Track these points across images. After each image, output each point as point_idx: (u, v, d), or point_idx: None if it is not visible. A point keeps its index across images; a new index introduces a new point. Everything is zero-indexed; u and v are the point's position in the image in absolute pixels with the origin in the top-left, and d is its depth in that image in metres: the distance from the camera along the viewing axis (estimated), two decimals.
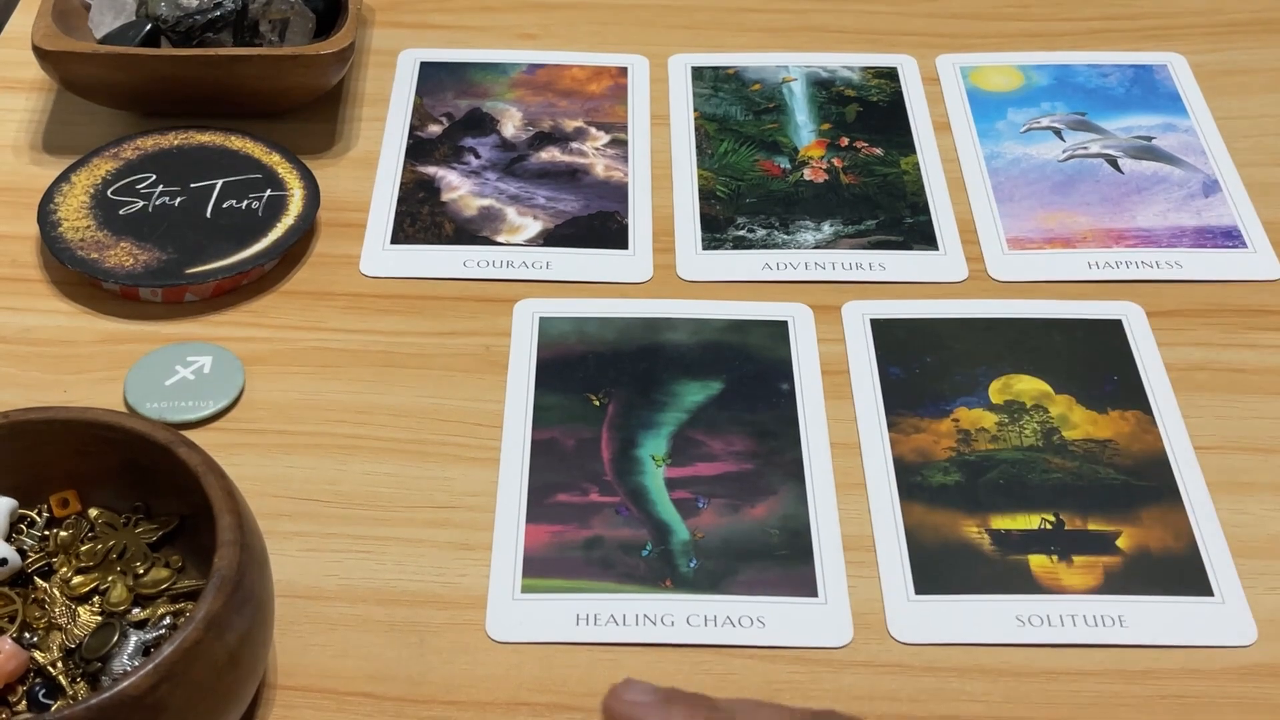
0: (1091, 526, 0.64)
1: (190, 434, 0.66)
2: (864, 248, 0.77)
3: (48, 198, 0.76)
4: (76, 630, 0.55)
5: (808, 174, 0.82)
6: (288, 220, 0.76)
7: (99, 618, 0.55)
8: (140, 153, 0.79)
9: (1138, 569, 0.62)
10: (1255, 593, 0.62)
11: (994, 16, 0.94)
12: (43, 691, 0.53)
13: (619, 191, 0.81)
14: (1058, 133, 0.85)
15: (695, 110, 0.86)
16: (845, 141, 0.84)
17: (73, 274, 0.74)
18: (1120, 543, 0.63)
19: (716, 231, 0.78)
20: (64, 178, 0.78)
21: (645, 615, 0.60)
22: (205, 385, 0.69)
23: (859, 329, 0.73)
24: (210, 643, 0.49)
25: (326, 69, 0.80)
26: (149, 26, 0.81)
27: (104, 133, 0.82)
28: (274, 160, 0.79)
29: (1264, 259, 0.77)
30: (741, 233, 0.78)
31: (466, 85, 0.88)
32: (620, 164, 0.83)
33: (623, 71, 0.89)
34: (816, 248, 0.77)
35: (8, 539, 0.57)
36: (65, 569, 0.57)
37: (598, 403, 0.69)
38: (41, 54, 0.78)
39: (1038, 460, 0.67)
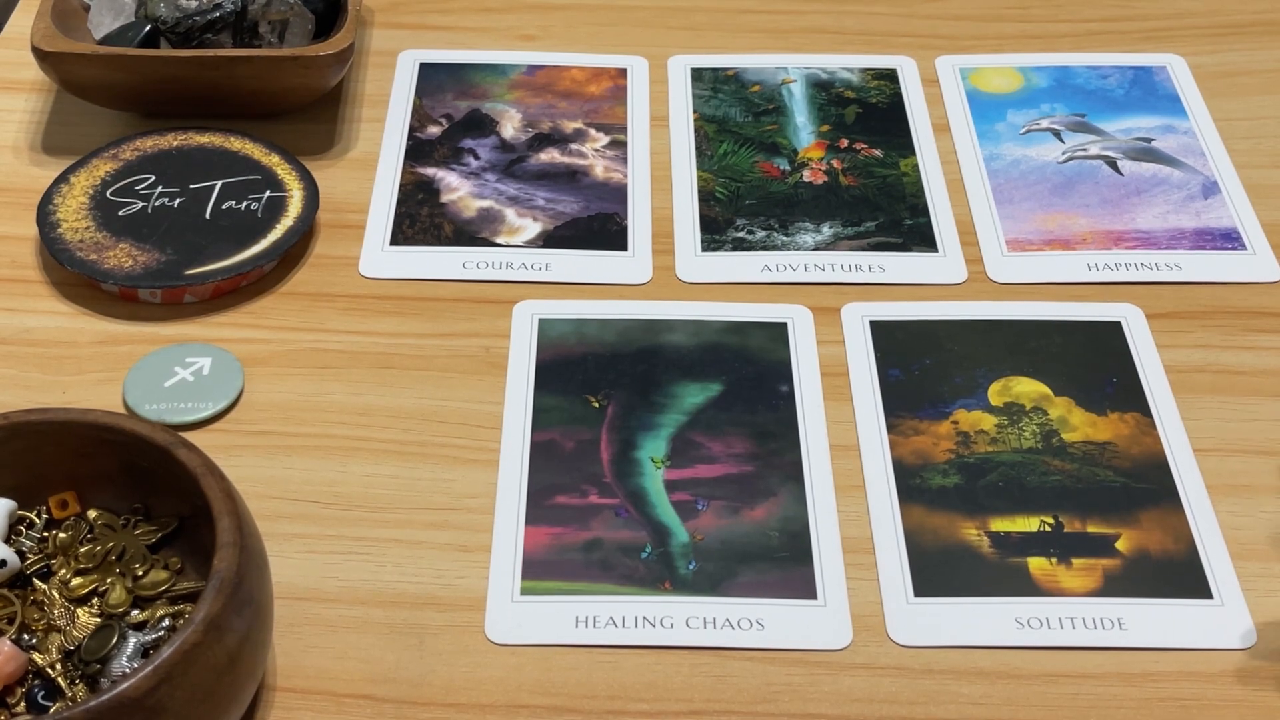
0: (1091, 529, 0.64)
1: (189, 435, 0.66)
2: (863, 249, 0.77)
3: (47, 199, 0.76)
4: (75, 632, 0.55)
5: (807, 175, 0.82)
6: (287, 221, 0.76)
7: (98, 619, 0.55)
8: (139, 154, 0.79)
9: (1137, 571, 0.62)
10: (1254, 595, 0.62)
11: (994, 18, 0.94)
12: (41, 693, 0.53)
13: (618, 193, 0.81)
14: (1057, 134, 0.85)
15: (695, 112, 0.86)
16: (845, 143, 0.84)
17: (72, 275, 0.74)
18: (1119, 545, 0.63)
19: (716, 233, 0.78)
20: (63, 179, 0.77)
21: (644, 617, 0.60)
22: (204, 386, 0.69)
23: (858, 331, 0.73)
24: (209, 645, 0.49)
25: (326, 70, 0.80)
26: (148, 27, 0.81)
27: (103, 133, 0.82)
28: (273, 161, 0.79)
29: (1263, 261, 0.77)
30: (741, 234, 0.78)
31: (466, 86, 0.88)
32: (620, 165, 0.83)
33: (622, 73, 0.89)
34: (816, 249, 0.77)
35: (7, 541, 0.57)
36: (64, 570, 0.57)
37: (597, 404, 0.69)
38: (41, 55, 0.78)
39: (1037, 463, 0.67)
